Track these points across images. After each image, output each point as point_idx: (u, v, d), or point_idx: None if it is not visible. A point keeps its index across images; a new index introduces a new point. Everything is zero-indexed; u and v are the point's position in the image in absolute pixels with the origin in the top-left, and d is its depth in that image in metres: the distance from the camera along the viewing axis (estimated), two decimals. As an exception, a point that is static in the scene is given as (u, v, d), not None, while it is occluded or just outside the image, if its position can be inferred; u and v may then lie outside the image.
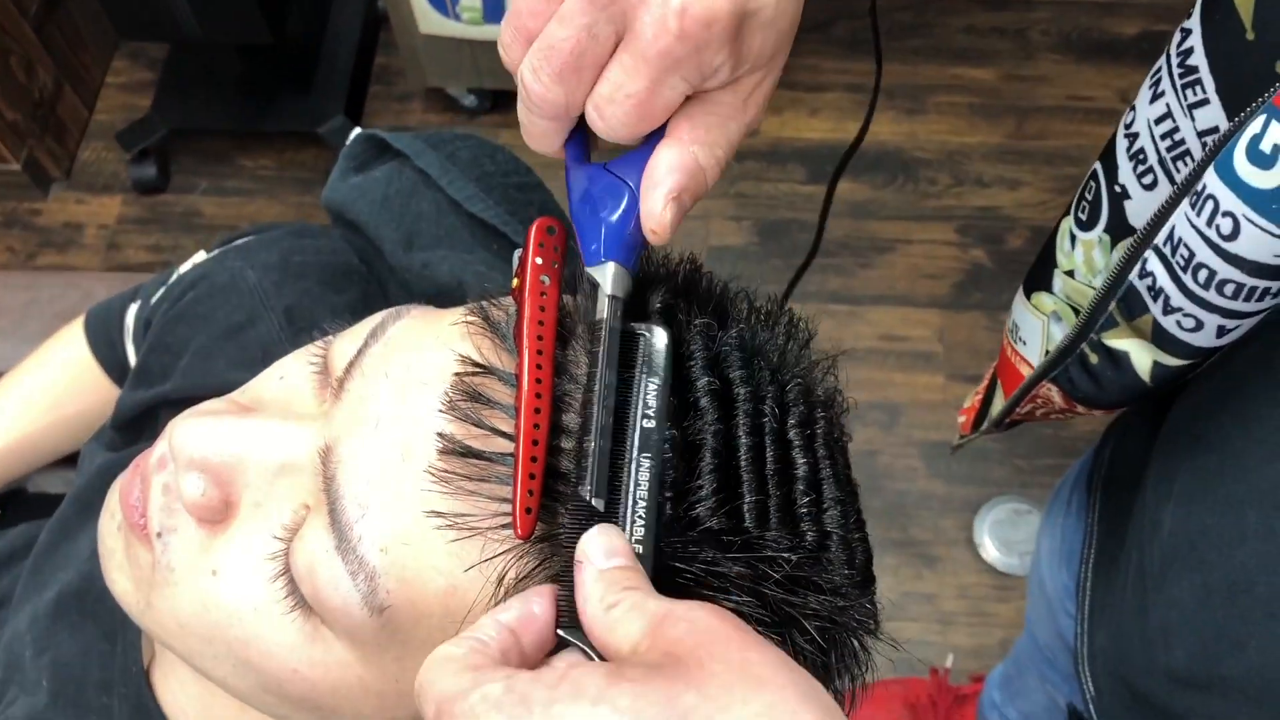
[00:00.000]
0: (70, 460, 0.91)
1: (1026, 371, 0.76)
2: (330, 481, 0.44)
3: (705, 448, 0.43)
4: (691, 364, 0.45)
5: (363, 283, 0.78)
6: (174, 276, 0.80)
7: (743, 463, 0.44)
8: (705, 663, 0.34)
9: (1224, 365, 0.63)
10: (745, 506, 0.43)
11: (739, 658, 0.35)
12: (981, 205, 2.10)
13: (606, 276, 0.44)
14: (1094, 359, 0.65)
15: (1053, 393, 0.71)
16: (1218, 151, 0.51)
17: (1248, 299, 0.53)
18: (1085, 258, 0.68)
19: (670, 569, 0.42)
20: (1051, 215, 2.07)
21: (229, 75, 2.16)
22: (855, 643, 0.45)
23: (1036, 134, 2.17)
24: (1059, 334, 0.72)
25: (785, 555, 0.43)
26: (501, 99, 2.21)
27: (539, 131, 0.45)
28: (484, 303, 0.47)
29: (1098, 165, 0.65)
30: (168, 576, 0.48)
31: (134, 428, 0.75)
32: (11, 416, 0.88)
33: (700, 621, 0.36)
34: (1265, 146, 0.48)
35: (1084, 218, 0.66)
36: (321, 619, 0.45)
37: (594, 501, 0.40)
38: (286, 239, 0.79)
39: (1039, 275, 0.72)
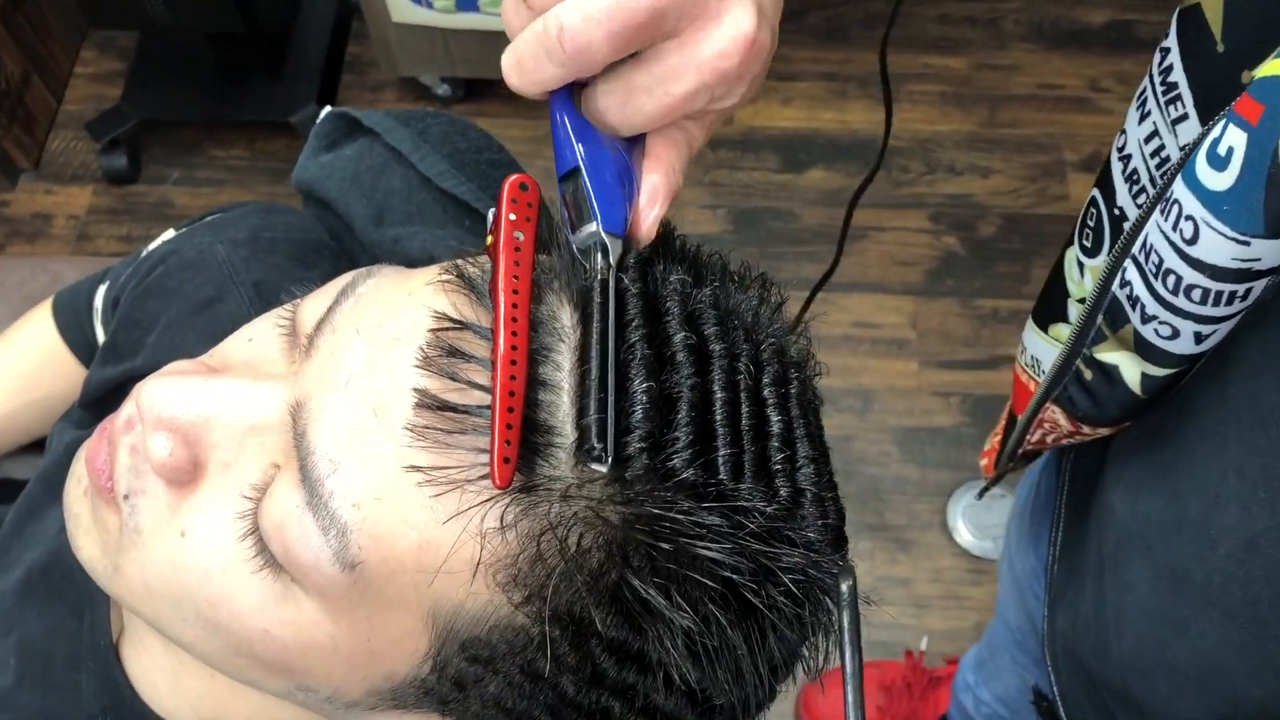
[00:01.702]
0: (39, 445, 0.91)
1: None
2: (301, 438, 0.44)
3: (682, 400, 0.43)
4: (668, 319, 0.45)
5: (333, 258, 0.78)
6: (142, 254, 0.80)
7: (718, 417, 0.44)
8: None
9: None
10: (720, 459, 0.43)
11: None
12: (954, 193, 2.11)
13: (617, 246, 0.45)
14: (1088, 375, 0.66)
15: (1057, 415, 0.72)
16: (1185, 160, 0.52)
17: (1215, 303, 0.53)
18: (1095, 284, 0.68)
19: (650, 517, 0.42)
20: (1024, 202, 2.09)
21: (200, 64, 2.14)
22: (829, 600, 0.46)
23: (1008, 122, 2.18)
24: None
25: (760, 507, 0.43)
26: (475, 88, 2.20)
27: (543, 75, 0.44)
28: (459, 260, 0.46)
29: (1095, 192, 0.66)
30: (135, 539, 0.47)
31: (102, 405, 0.75)
32: (-22, 401, 0.88)
33: None
34: (1221, 149, 0.49)
35: (1089, 244, 0.67)
36: (292, 577, 0.44)
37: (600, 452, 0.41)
38: (256, 215, 0.78)
39: (1053, 306, 0.72)
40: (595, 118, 0.46)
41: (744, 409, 0.45)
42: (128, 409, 0.49)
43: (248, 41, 2.06)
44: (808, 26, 2.28)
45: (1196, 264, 0.52)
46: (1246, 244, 0.49)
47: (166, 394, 0.46)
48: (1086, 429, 0.71)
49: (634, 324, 0.44)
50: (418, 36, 2.01)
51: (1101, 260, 0.66)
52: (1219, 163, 0.49)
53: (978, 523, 1.80)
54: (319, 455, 0.43)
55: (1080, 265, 0.68)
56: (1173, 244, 0.53)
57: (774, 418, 0.46)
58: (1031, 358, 0.74)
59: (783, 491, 0.44)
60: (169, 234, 0.81)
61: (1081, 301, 0.69)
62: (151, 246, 0.80)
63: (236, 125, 2.20)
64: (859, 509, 1.82)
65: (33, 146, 2.18)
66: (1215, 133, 0.49)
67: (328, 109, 0.83)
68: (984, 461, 0.94)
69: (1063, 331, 0.72)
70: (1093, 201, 0.66)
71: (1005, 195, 2.11)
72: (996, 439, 0.89)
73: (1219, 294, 0.52)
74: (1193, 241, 0.51)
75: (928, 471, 1.86)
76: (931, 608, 1.75)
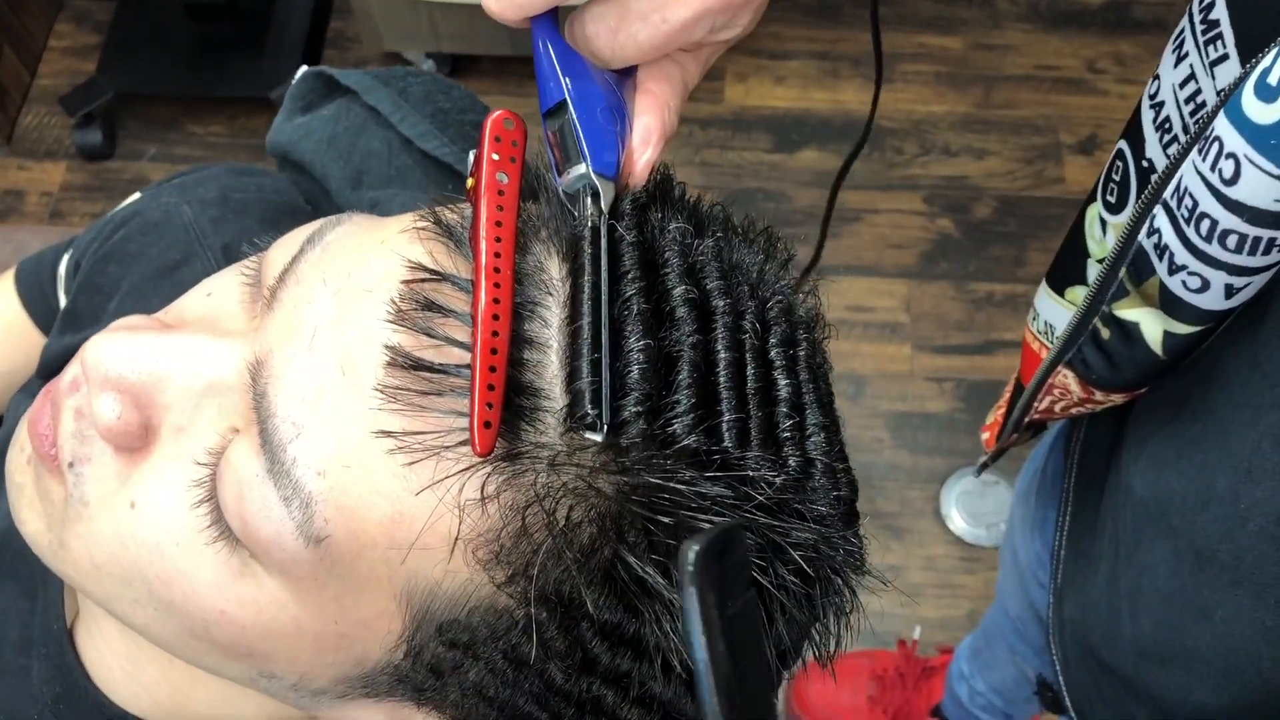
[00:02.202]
0: (-2, 420, 0.86)
1: None
2: (261, 399, 0.40)
3: (683, 360, 0.39)
4: (667, 271, 0.41)
5: (308, 222, 0.74)
6: (106, 217, 0.76)
7: (722, 378, 0.40)
8: None
9: (1217, 333, 0.61)
10: (724, 425, 0.39)
11: None
12: (948, 175, 2.08)
13: (609, 189, 0.42)
14: (1106, 334, 0.63)
15: (1069, 379, 0.69)
16: (1229, 95, 0.50)
17: (1251, 251, 0.51)
18: None
19: (647, 487, 0.38)
20: (1020, 184, 2.05)
21: (178, 38, 2.09)
22: (840, 580, 0.42)
23: (1004, 103, 2.15)
24: None
25: (768, 477, 0.39)
26: (461, 63, 2.16)
27: None
28: (436, 206, 0.42)
29: (1123, 143, 0.63)
30: (81, 511, 0.43)
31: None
32: (-66, 374, 0.83)
33: None
34: (1272, 79, 0.47)
35: (1113, 200, 0.64)
36: (251, 552, 0.40)
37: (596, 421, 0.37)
38: (226, 176, 0.74)
39: (1070, 268, 0.69)
40: (583, 47, 0.42)
41: (749, 371, 0.41)
42: (73, 369, 0.45)
43: (227, 14, 2.02)
44: (800, 5, 2.24)
45: (1235, 206, 0.49)
46: None
47: (114, 351, 0.42)
48: (1099, 395, 0.68)
49: (630, 276, 0.40)
50: (402, 11, 1.97)
51: (1126, 215, 0.63)
52: (1268, 93, 0.46)
53: (971, 510, 1.77)
54: (280, 418, 0.39)
55: (1103, 223, 0.65)
56: (1210, 185, 0.50)
57: (782, 381, 0.42)
58: (1045, 323, 0.71)
59: (792, 461, 0.41)
60: (135, 196, 0.76)
61: (1102, 262, 0.66)
62: (116, 209, 0.75)
63: (215, 101, 2.16)
64: (851, 495, 1.79)
65: (4, 122, 2.13)
66: (1265, 62, 0.47)
67: (304, 69, 0.79)
68: (985, 436, 0.91)
69: (1080, 295, 0.69)
70: (1119, 154, 0.63)
71: (1000, 177, 2.07)
72: (1000, 412, 0.86)
73: (1256, 240, 0.50)
74: (1232, 181, 0.49)
75: (920, 458, 1.83)
76: (924, 596, 1.73)
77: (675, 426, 0.38)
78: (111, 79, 2.07)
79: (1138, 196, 0.62)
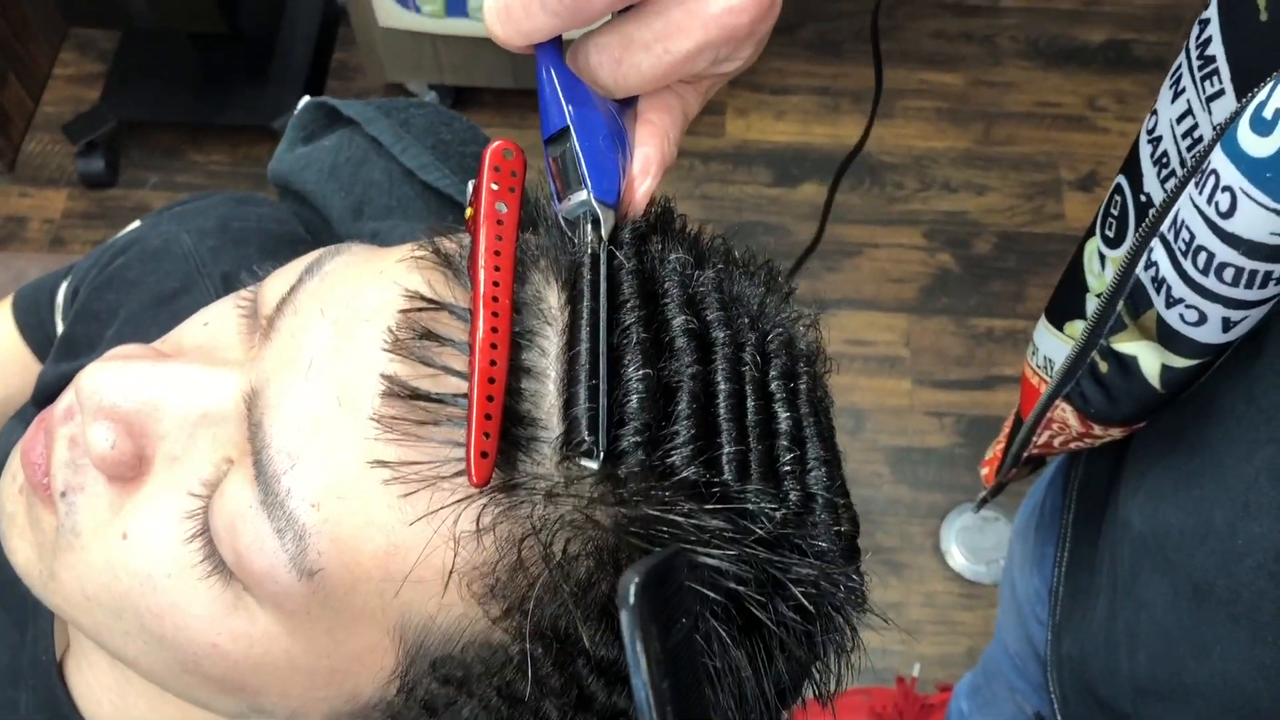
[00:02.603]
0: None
1: None
2: (256, 429, 0.39)
3: (682, 390, 0.39)
4: (666, 301, 0.40)
5: (307, 251, 0.73)
6: (106, 244, 0.75)
7: (722, 410, 0.39)
8: None
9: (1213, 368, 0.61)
10: (724, 457, 0.39)
11: None
12: (948, 210, 2.08)
13: (609, 217, 0.41)
14: (1104, 367, 0.63)
15: (1067, 413, 0.69)
16: (1225, 129, 0.50)
17: (1248, 285, 0.51)
18: None
19: (645, 519, 0.37)
20: (1020, 220, 2.06)
21: (182, 67, 2.10)
22: (840, 618, 0.41)
23: (1004, 139, 2.15)
24: None
25: (769, 510, 0.38)
26: (464, 95, 2.17)
27: (533, 25, 0.40)
28: (434, 236, 0.42)
29: (1121, 178, 0.64)
30: (72, 541, 0.43)
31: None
32: (-72, 402, 0.83)
33: None
34: (1268, 113, 0.47)
35: (1111, 234, 0.65)
36: (244, 585, 0.40)
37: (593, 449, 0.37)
38: (227, 205, 0.74)
39: (1069, 302, 0.69)
40: (586, 76, 0.42)
41: (749, 403, 0.40)
42: (67, 398, 0.44)
43: (231, 44, 2.03)
44: (801, 40, 2.25)
45: (1231, 239, 0.49)
46: None
47: (109, 380, 0.42)
48: (1097, 429, 0.68)
49: (629, 305, 0.40)
50: (405, 42, 1.97)
51: (1125, 250, 0.63)
52: (1263, 127, 0.47)
53: (971, 546, 1.76)
54: (275, 448, 0.38)
55: (1101, 257, 0.65)
56: (1206, 218, 0.50)
57: (782, 414, 0.41)
58: (1044, 358, 0.71)
59: (792, 495, 0.40)
60: (135, 224, 0.76)
61: (1100, 296, 0.66)
62: (115, 237, 0.75)
63: (218, 129, 2.16)
64: (850, 530, 1.78)
65: (7, 148, 2.13)
66: (1261, 96, 0.47)
67: (306, 99, 0.79)
68: (984, 471, 0.91)
69: (1079, 329, 0.69)
70: (1117, 189, 0.63)
71: (1001, 213, 2.08)
72: (999, 447, 0.86)
73: (1252, 274, 0.50)
74: (1229, 214, 0.49)
75: (920, 493, 1.82)
76: (924, 633, 1.71)
77: (674, 458, 0.38)
78: (115, 107, 2.07)
79: (1136, 230, 0.62)
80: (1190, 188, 0.53)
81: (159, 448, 0.42)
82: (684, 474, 0.38)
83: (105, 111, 2.07)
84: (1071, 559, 0.83)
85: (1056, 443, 0.74)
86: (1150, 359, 0.59)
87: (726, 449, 0.39)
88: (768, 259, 0.47)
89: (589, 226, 0.40)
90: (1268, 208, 0.47)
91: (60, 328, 0.80)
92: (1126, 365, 0.61)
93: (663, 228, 0.44)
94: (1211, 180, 0.50)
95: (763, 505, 0.39)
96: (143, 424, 0.42)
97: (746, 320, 0.42)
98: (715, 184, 2.10)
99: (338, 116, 0.77)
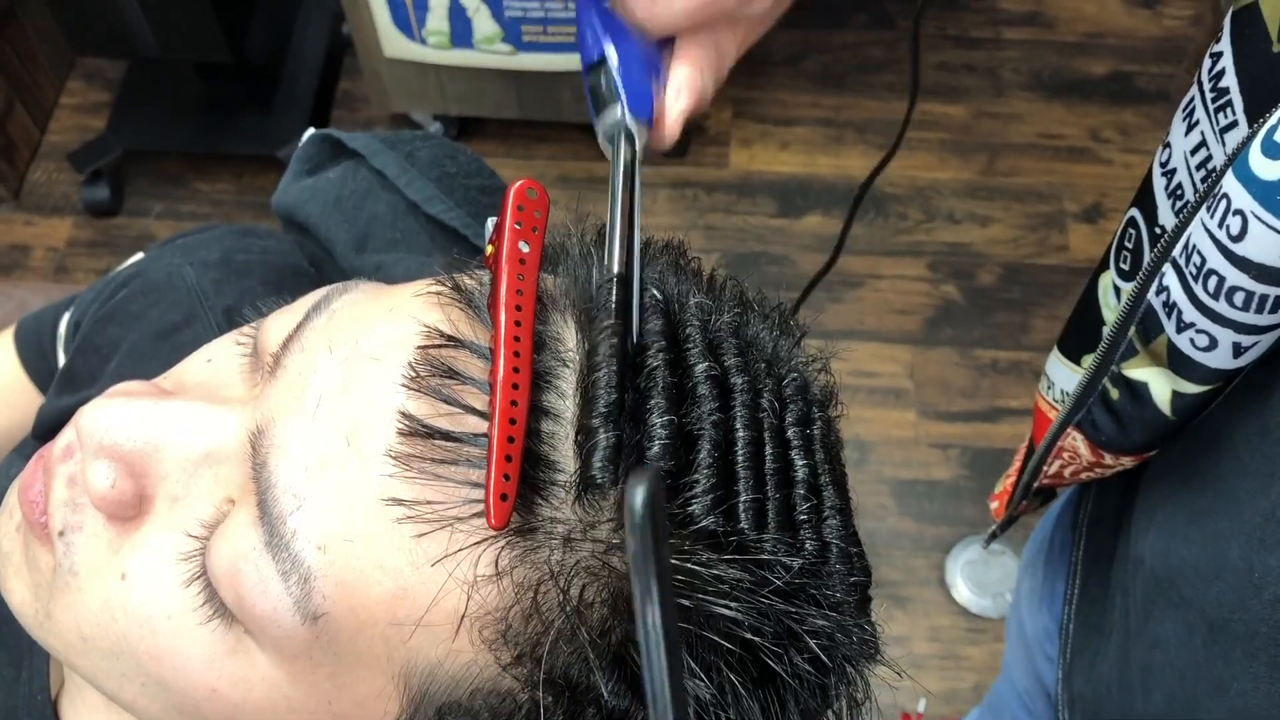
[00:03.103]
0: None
1: None
2: (261, 469, 0.38)
3: (704, 439, 0.38)
4: (690, 346, 0.40)
5: (312, 285, 0.72)
6: (109, 276, 0.75)
7: (740, 458, 0.39)
8: None
9: (1225, 400, 0.60)
10: (742, 506, 0.38)
11: None
12: (953, 241, 2.08)
13: (643, 134, 0.44)
14: (1115, 394, 0.63)
15: (1078, 442, 0.68)
16: (1238, 153, 0.50)
17: (1259, 309, 0.50)
18: None
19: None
20: (1024, 252, 2.05)
21: (188, 96, 2.11)
22: (853, 669, 0.40)
23: (1007, 171, 2.15)
24: None
25: (785, 561, 0.38)
26: (468, 125, 2.17)
27: None
28: (453, 271, 0.42)
29: (1134, 211, 0.63)
30: (70, 582, 0.42)
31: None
32: (-71, 433, 0.82)
33: None
34: (1279, 136, 0.47)
35: (1127, 268, 0.64)
36: (245, 629, 0.39)
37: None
38: (230, 237, 0.74)
39: (1084, 336, 0.69)
40: (623, 11, 0.44)
41: (768, 451, 0.40)
42: (67, 435, 0.44)
43: (237, 74, 2.03)
44: (805, 72, 2.26)
45: (1242, 262, 0.49)
46: None
47: (110, 418, 0.41)
48: (1108, 458, 0.67)
49: (652, 349, 0.39)
50: (410, 72, 1.98)
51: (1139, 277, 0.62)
52: (1275, 151, 0.47)
53: (977, 580, 1.75)
54: (281, 489, 0.38)
55: (1117, 291, 0.64)
56: (1217, 242, 0.50)
57: (799, 462, 0.41)
58: (1061, 391, 0.70)
59: (808, 545, 0.40)
60: (138, 256, 0.76)
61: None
62: (118, 269, 0.75)
63: (223, 159, 2.17)
64: (854, 563, 1.76)
65: (12, 176, 2.14)
66: (1273, 120, 0.47)
67: (311, 131, 0.78)
68: (994, 505, 0.90)
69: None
70: (1130, 222, 0.63)
71: (1005, 244, 2.07)
72: (1010, 480, 0.85)
73: (1263, 299, 0.50)
74: (1240, 238, 0.49)
75: (925, 526, 1.81)
76: (929, 668, 1.70)
77: (694, 506, 0.37)
78: (121, 136, 2.08)
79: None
80: (1202, 211, 0.52)
81: (160, 487, 0.41)
82: (703, 523, 0.37)
83: (111, 140, 2.07)
84: (1082, 596, 0.82)
85: (1067, 473, 0.73)
86: (1161, 385, 0.59)
87: (744, 498, 0.38)
88: (780, 302, 0.46)
89: (624, 141, 0.41)
90: (1278, 230, 0.47)
91: (62, 360, 0.80)
92: (1137, 392, 0.60)
93: (677, 268, 0.43)
94: (1223, 204, 0.50)
95: (779, 555, 0.38)
96: (144, 463, 0.41)
97: (763, 365, 0.42)
98: (719, 214, 2.10)
99: (342, 149, 0.76)
